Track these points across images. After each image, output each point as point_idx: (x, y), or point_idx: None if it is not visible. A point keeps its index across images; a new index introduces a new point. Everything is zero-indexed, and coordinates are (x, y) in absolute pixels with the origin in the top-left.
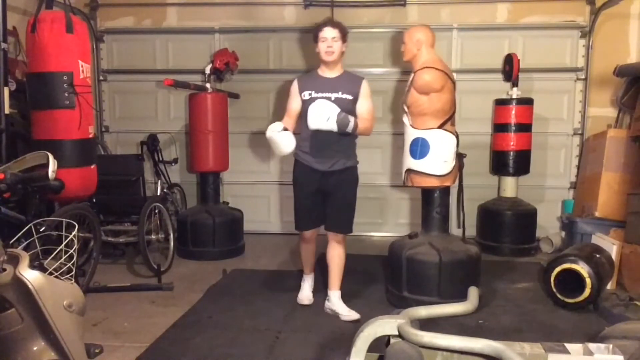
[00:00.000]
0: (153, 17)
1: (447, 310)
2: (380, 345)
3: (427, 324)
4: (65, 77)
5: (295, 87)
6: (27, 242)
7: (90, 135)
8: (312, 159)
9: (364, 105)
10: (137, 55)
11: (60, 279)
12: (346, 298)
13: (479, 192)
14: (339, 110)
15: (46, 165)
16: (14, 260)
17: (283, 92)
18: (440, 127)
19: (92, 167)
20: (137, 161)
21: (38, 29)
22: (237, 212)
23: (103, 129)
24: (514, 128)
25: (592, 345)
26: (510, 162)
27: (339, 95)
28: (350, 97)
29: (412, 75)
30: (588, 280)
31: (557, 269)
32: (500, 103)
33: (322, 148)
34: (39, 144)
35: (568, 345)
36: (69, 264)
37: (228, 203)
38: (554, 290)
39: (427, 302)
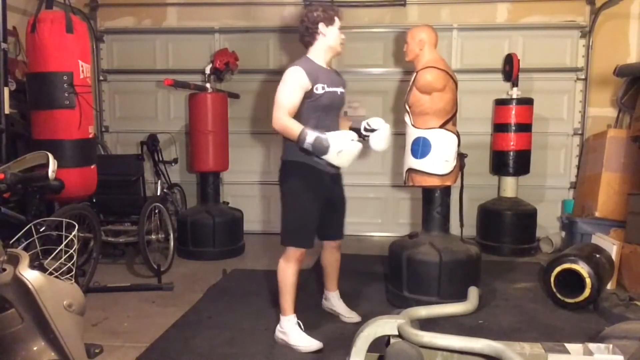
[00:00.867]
0: (153, 17)
1: (447, 310)
2: (380, 345)
3: (427, 324)
4: (65, 77)
5: (303, 77)
6: (27, 242)
7: (90, 135)
8: (325, 161)
9: None
10: (137, 55)
11: (60, 279)
12: (346, 298)
13: (479, 192)
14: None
15: (46, 165)
16: (14, 260)
17: None
18: (441, 126)
19: (92, 167)
20: (137, 161)
21: (38, 29)
22: (237, 212)
23: (103, 129)
24: (514, 128)
25: (592, 345)
26: (510, 162)
27: (342, 90)
28: (344, 91)
29: (415, 74)
30: (588, 280)
31: (557, 269)
32: (500, 103)
33: None
34: (39, 144)
35: (568, 345)
36: (69, 264)
37: (228, 203)
38: (554, 290)
39: (427, 302)
